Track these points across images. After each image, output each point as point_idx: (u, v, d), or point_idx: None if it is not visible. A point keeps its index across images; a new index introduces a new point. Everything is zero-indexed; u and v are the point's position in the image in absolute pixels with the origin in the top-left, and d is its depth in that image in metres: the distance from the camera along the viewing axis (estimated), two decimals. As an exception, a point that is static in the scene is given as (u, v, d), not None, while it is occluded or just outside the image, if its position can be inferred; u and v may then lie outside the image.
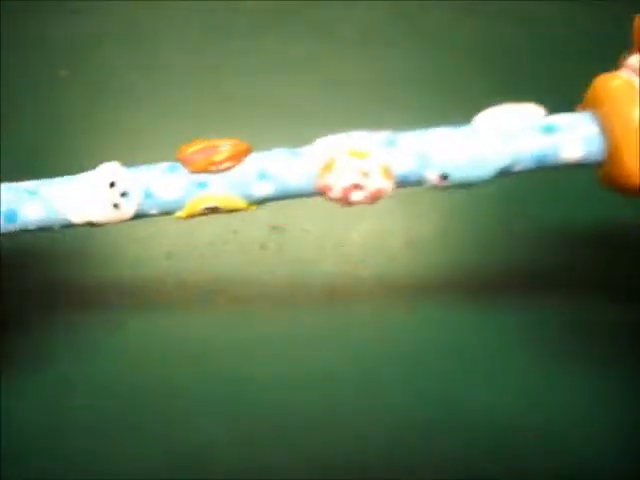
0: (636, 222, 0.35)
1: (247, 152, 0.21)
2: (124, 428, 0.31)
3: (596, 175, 0.24)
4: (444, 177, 0.19)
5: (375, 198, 0.20)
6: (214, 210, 0.21)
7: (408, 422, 0.32)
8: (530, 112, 0.21)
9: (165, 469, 0.30)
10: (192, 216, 0.21)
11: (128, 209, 0.21)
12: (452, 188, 0.20)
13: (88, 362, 0.33)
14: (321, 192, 0.20)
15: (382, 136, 0.21)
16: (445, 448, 0.31)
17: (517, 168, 0.20)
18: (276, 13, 0.46)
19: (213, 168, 0.21)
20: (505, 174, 0.21)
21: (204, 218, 0.34)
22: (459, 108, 0.42)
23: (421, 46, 0.43)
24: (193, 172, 0.21)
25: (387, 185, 0.20)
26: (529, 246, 0.37)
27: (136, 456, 0.31)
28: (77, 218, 0.22)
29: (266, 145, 0.42)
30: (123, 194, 0.21)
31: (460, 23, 0.45)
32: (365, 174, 0.19)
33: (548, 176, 0.40)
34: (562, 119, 0.22)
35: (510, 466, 0.31)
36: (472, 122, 0.23)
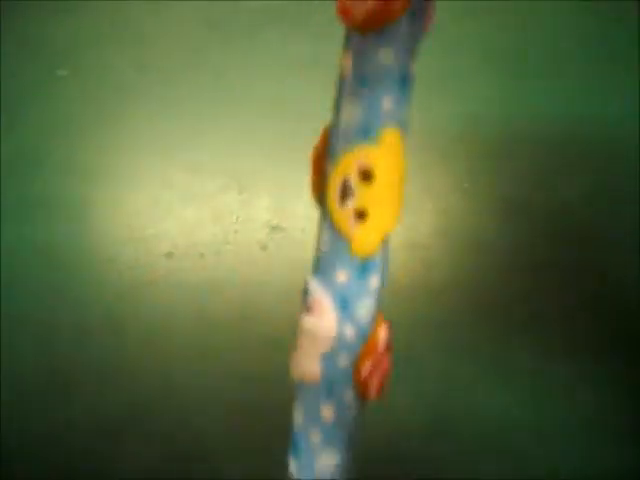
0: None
1: None
2: (125, 429, 0.31)
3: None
4: None
5: None
6: None
7: (408, 422, 0.32)
8: None
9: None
10: None
11: None
12: None
13: (91, 360, 0.33)
14: None
15: None
16: (445, 448, 0.31)
17: None
18: (276, 13, 0.46)
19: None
20: None
21: (204, 218, 0.35)
22: (459, 108, 0.42)
23: (421, 46, 0.43)
24: None
25: None
26: (529, 247, 0.37)
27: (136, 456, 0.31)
28: None
29: (266, 144, 0.42)
30: None
31: (460, 23, 0.45)
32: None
33: (548, 179, 0.40)
34: None
35: (511, 467, 0.31)
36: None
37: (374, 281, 0.17)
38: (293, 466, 0.19)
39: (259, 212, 0.38)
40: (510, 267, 0.36)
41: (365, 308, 0.17)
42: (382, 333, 0.18)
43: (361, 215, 0.15)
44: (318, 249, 0.16)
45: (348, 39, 0.15)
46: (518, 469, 0.31)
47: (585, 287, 0.36)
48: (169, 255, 0.36)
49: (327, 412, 0.17)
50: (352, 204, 0.15)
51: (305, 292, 0.16)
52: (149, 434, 0.31)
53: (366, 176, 0.15)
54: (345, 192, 0.15)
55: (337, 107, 0.15)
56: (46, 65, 0.43)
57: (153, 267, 0.36)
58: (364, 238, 0.16)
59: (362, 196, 0.15)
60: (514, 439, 0.32)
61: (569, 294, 0.35)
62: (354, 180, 0.15)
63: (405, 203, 0.39)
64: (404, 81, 0.15)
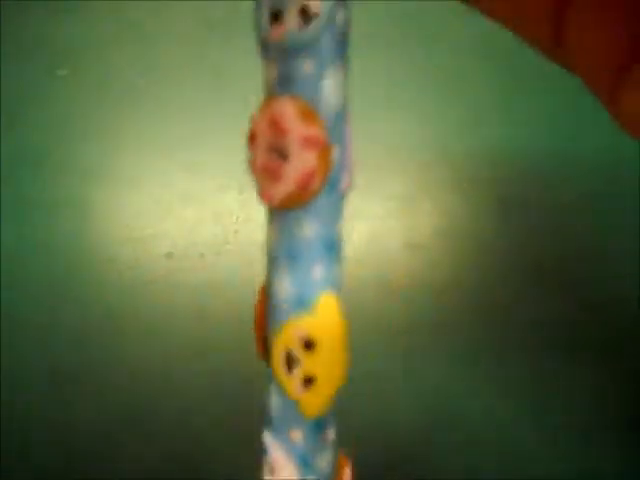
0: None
1: None
2: (125, 428, 0.31)
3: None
4: None
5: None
6: None
7: (408, 422, 0.32)
8: None
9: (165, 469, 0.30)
10: None
11: None
12: None
13: (93, 361, 0.33)
14: None
15: None
16: (445, 449, 0.31)
17: None
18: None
19: None
20: None
21: (204, 218, 0.35)
22: (459, 107, 0.42)
23: (421, 46, 0.43)
24: None
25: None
26: (529, 247, 0.37)
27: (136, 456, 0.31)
28: None
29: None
30: None
31: (460, 23, 0.45)
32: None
33: (547, 181, 0.40)
34: None
35: (511, 467, 0.31)
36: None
37: (330, 434, 0.16)
38: None
39: (259, 212, 0.37)
40: (510, 267, 0.36)
41: (325, 460, 0.17)
42: (346, 475, 0.17)
43: (309, 381, 0.15)
44: (269, 409, 0.16)
45: (271, 215, 0.15)
46: (518, 469, 0.31)
47: (585, 287, 0.36)
48: (169, 255, 0.36)
49: None
50: (298, 372, 0.15)
51: (264, 451, 0.16)
52: (149, 434, 0.31)
53: (308, 345, 0.15)
54: (290, 362, 0.15)
55: (269, 282, 0.15)
56: (46, 65, 0.43)
57: (153, 267, 0.36)
58: (314, 401, 0.16)
59: (308, 364, 0.15)
60: (514, 439, 0.32)
61: (569, 294, 0.35)
62: (297, 350, 0.15)
63: (405, 203, 0.40)
64: (331, 247, 0.15)
